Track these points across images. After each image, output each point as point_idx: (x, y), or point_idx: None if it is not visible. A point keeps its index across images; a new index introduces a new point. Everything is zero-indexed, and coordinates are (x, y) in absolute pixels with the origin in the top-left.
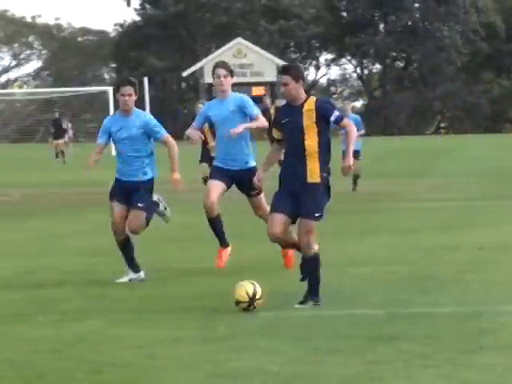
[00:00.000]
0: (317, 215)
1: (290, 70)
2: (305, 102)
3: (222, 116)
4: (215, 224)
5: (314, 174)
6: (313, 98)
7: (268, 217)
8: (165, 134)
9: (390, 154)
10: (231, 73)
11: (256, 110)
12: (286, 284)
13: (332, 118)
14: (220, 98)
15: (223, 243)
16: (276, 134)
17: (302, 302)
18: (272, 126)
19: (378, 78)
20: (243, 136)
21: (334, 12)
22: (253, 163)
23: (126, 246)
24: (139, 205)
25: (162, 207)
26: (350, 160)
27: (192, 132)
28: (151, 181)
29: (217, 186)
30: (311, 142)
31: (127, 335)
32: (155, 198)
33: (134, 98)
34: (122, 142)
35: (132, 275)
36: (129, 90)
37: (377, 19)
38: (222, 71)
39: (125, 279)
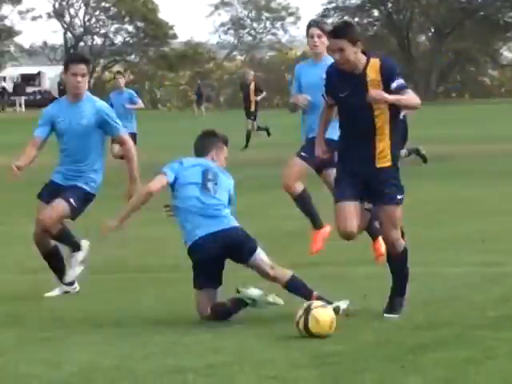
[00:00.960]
0: (399, 197)
1: (345, 32)
2: (366, 67)
3: (310, 82)
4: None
5: (384, 156)
6: (375, 60)
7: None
8: (122, 131)
9: None
10: (326, 33)
11: None
12: None
13: (394, 85)
14: (313, 61)
15: None
16: (330, 100)
17: (390, 310)
18: (326, 93)
19: None
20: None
21: None
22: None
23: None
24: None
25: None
26: (389, 97)
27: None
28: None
29: None
30: (383, 119)
31: None
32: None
33: (87, 79)
34: (68, 135)
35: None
36: (82, 69)
37: None
38: (315, 30)
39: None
